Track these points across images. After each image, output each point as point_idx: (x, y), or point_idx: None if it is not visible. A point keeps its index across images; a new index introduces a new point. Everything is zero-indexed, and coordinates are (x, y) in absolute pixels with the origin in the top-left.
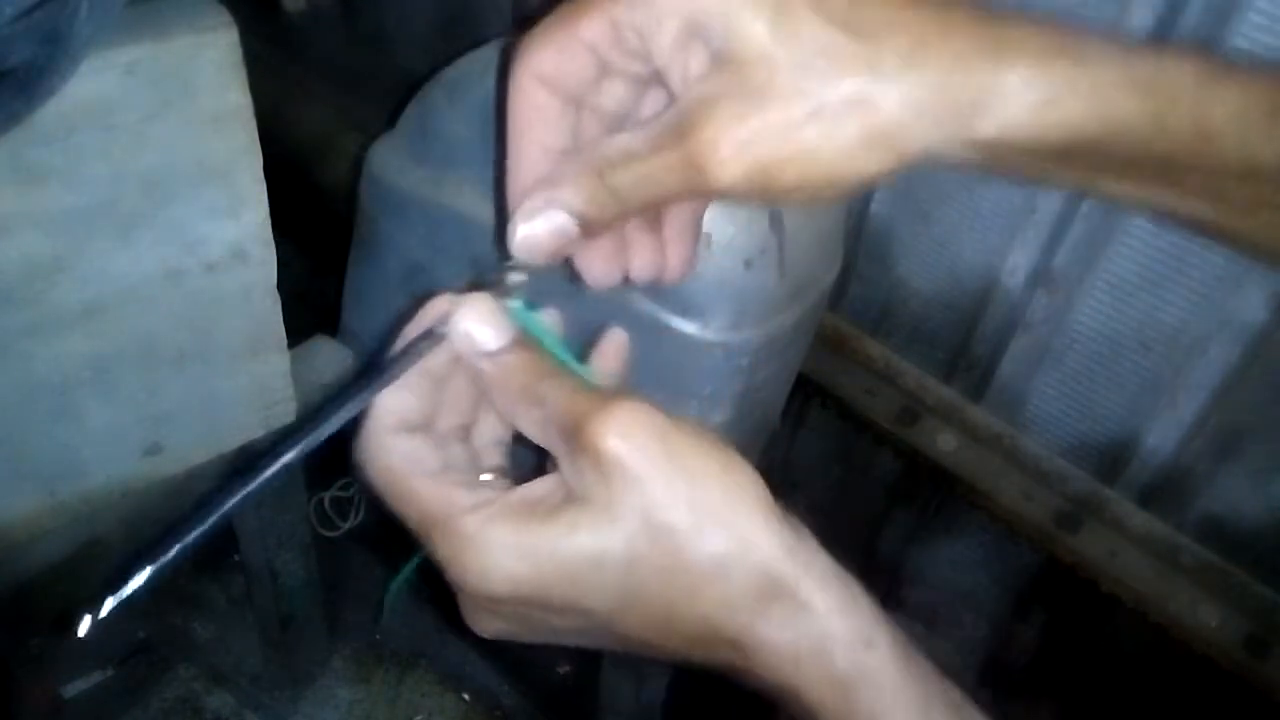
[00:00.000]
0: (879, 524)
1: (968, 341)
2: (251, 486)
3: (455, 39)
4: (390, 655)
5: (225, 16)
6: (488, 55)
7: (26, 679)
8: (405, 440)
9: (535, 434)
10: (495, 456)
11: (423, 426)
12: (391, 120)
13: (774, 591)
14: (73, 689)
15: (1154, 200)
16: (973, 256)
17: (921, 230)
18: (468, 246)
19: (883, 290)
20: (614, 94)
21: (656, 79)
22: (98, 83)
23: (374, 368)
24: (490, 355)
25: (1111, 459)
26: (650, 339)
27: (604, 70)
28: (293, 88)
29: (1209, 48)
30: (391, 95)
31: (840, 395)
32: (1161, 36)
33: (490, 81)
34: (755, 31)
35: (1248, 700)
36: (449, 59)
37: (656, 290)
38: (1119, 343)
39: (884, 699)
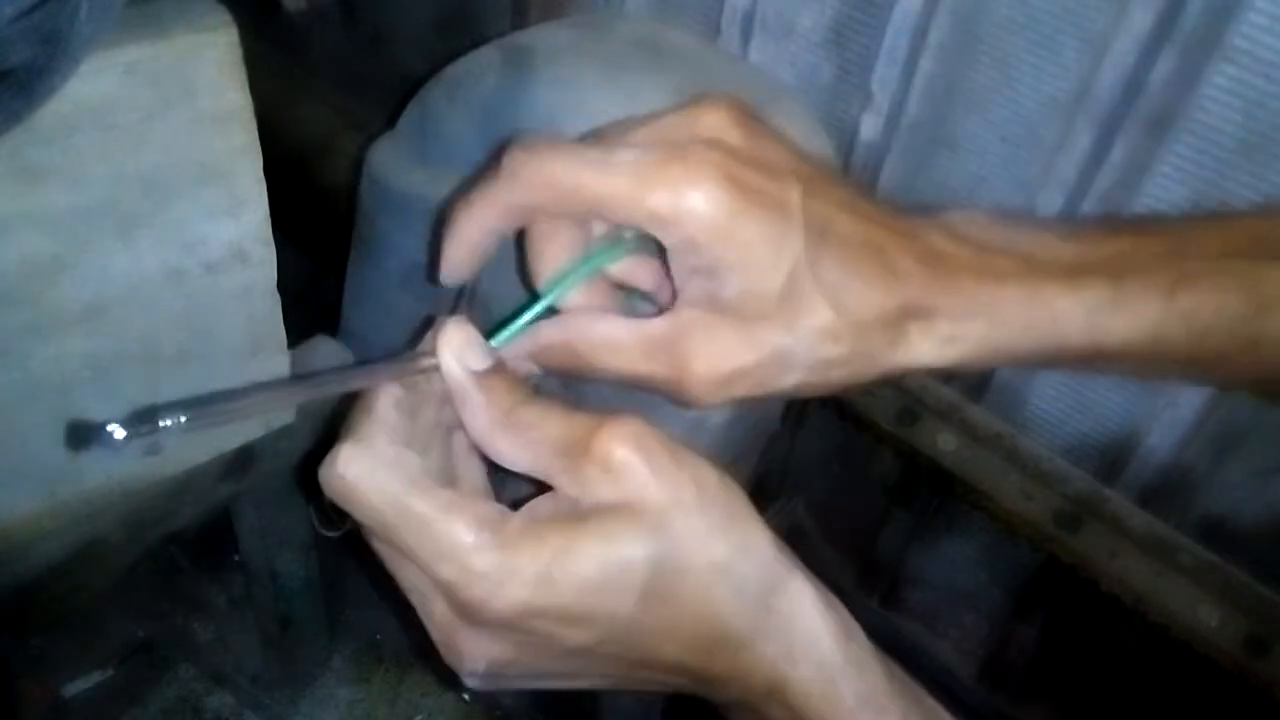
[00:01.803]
0: (879, 524)
1: None
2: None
3: (455, 39)
4: (390, 655)
5: (225, 16)
6: (488, 55)
7: (26, 679)
8: (402, 452)
9: (518, 458)
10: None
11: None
12: (391, 120)
13: (772, 588)
14: (73, 689)
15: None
16: None
17: None
18: None
19: None
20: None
21: None
22: (98, 83)
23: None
24: (477, 375)
25: (1111, 459)
26: None
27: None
28: (293, 88)
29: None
30: (391, 95)
31: (840, 395)
32: (1162, 36)
33: (490, 81)
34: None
35: (1248, 700)
36: (449, 59)
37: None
38: None
39: (868, 681)
